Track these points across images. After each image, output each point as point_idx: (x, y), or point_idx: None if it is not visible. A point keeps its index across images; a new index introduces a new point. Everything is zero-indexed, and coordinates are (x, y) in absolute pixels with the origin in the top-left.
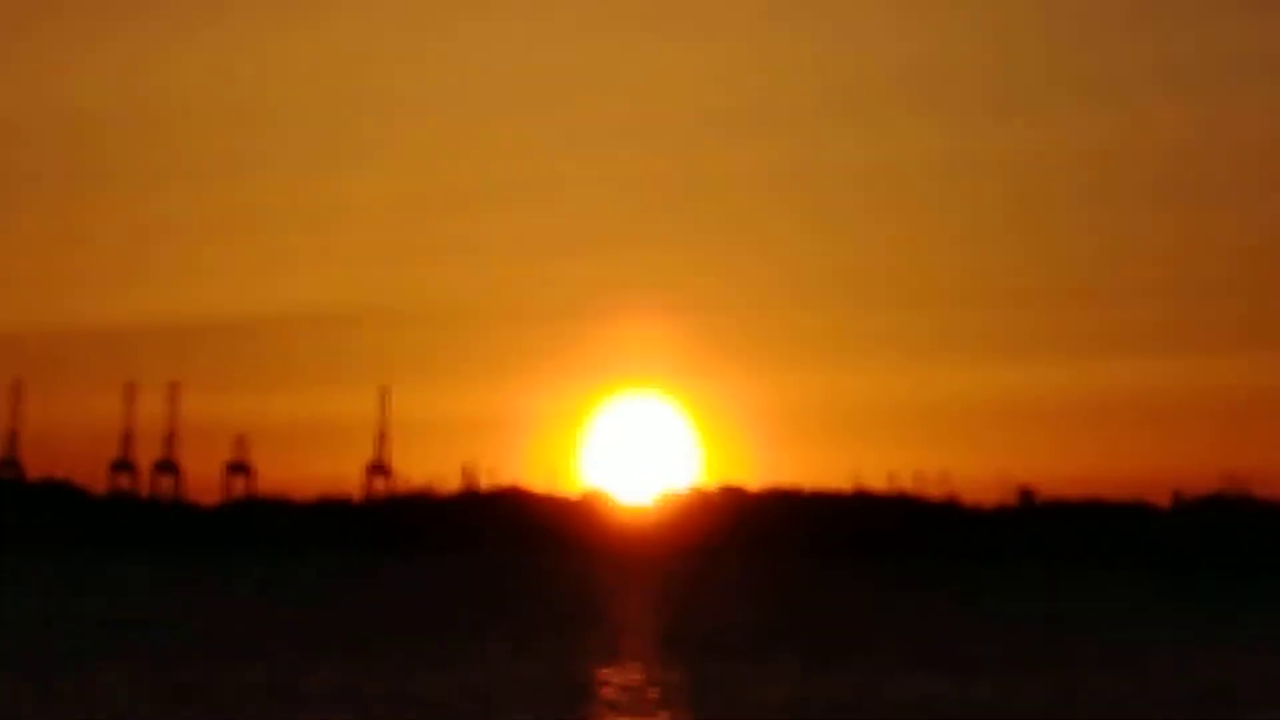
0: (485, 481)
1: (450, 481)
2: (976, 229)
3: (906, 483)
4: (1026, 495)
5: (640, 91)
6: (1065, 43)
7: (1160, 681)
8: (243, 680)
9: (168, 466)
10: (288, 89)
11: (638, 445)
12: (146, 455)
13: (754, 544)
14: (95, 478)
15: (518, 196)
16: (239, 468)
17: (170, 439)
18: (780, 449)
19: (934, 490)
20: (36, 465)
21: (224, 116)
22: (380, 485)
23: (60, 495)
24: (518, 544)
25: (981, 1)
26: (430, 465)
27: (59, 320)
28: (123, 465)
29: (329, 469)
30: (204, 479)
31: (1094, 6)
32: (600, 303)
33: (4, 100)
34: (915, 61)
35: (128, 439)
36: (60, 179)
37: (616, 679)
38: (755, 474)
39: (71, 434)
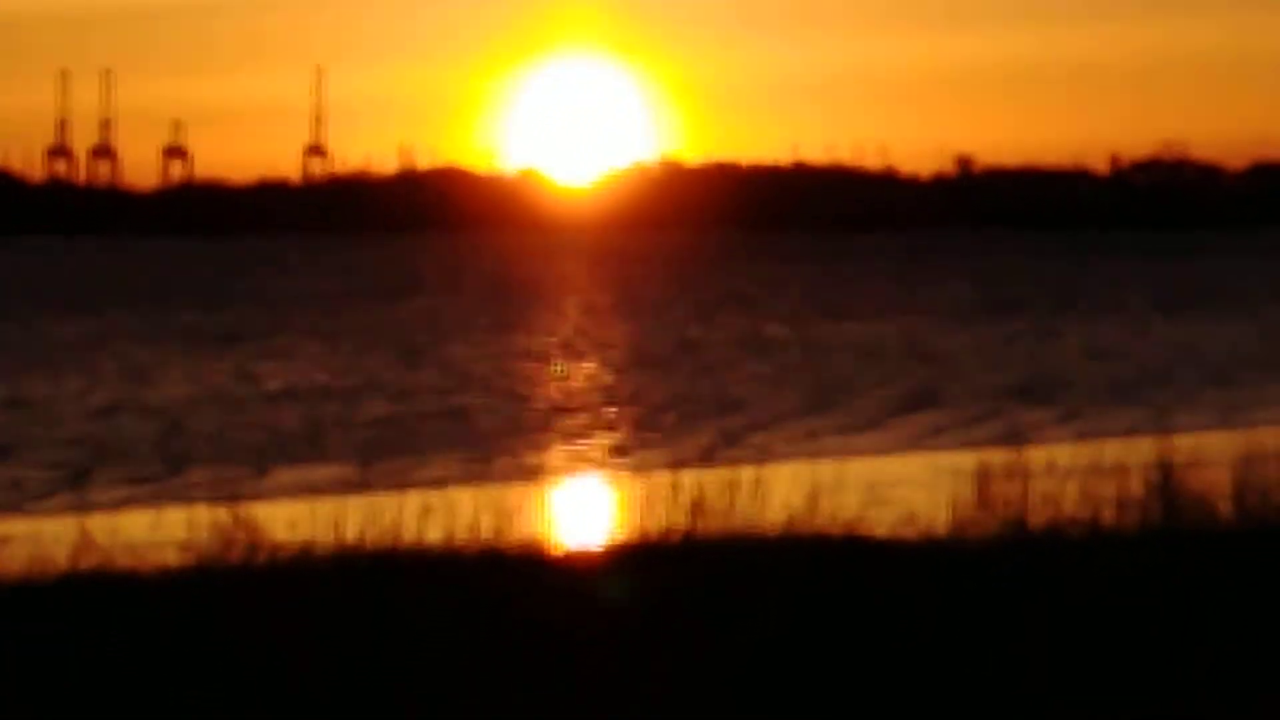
0: (423, 161)
1: (388, 162)
2: None
3: (844, 154)
4: (964, 164)
5: None
6: None
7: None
8: (192, 365)
9: (105, 152)
10: None
11: (577, 119)
12: (83, 142)
13: (693, 218)
14: (31, 165)
15: None
16: (176, 152)
17: (106, 125)
18: (718, 123)
19: (872, 161)
20: None
21: None
22: (318, 167)
23: None
24: (457, 223)
25: None
26: (368, 146)
27: None
28: (59, 152)
29: (266, 152)
30: (141, 164)
31: None
32: None
33: None
34: None
35: (63, 126)
36: None
37: (557, 339)
38: (693, 148)
39: (6, 122)
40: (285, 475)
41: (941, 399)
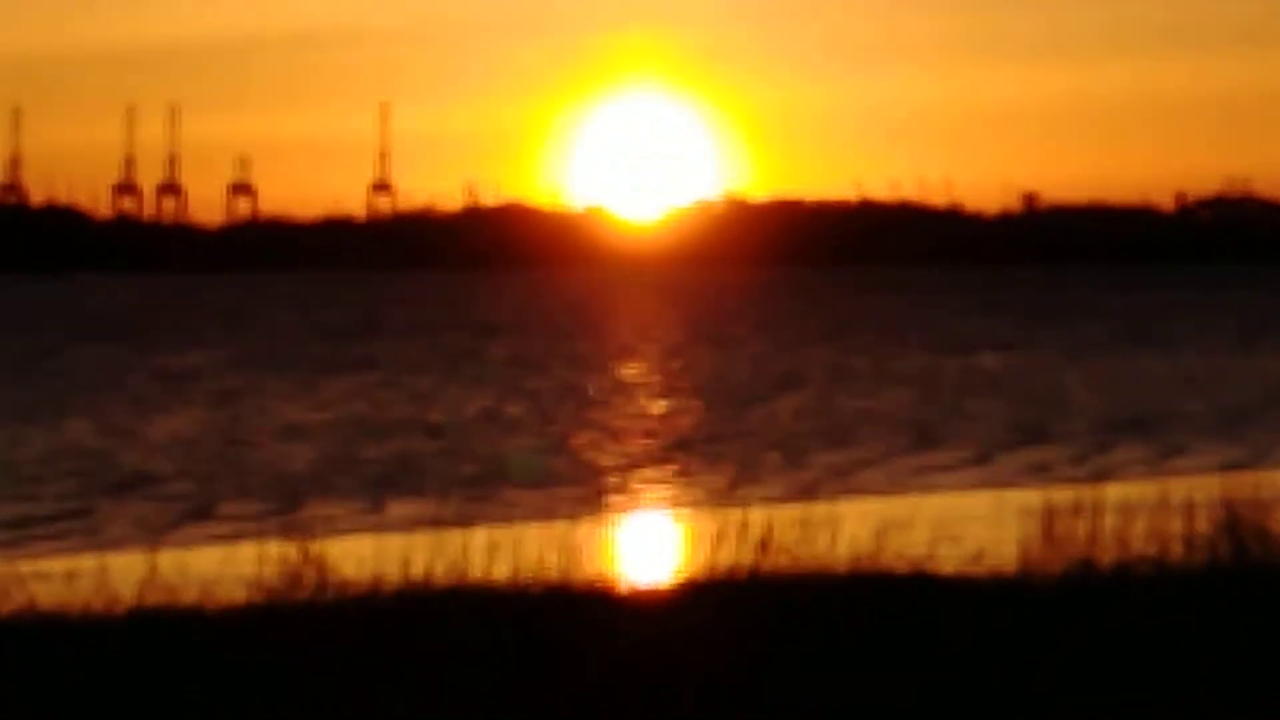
0: (488, 198)
1: (453, 199)
2: None
3: (910, 190)
4: (1030, 200)
5: None
6: None
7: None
8: (259, 396)
9: (171, 189)
10: None
11: (642, 156)
12: (149, 178)
13: (758, 255)
14: (98, 201)
15: None
16: (242, 188)
17: (172, 161)
18: (783, 159)
19: (937, 197)
20: (39, 190)
21: None
22: (383, 204)
23: (64, 220)
24: (522, 260)
25: None
26: (433, 182)
27: (58, 43)
28: (126, 188)
29: (332, 188)
30: (207, 201)
31: None
32: (600, 13)
33: None
34: None
35: (130, 162)
36: None
37: (629, 376)
38: (758, 185)
39: (73, 158)
40: (361, 509)
41: (1047, 434)
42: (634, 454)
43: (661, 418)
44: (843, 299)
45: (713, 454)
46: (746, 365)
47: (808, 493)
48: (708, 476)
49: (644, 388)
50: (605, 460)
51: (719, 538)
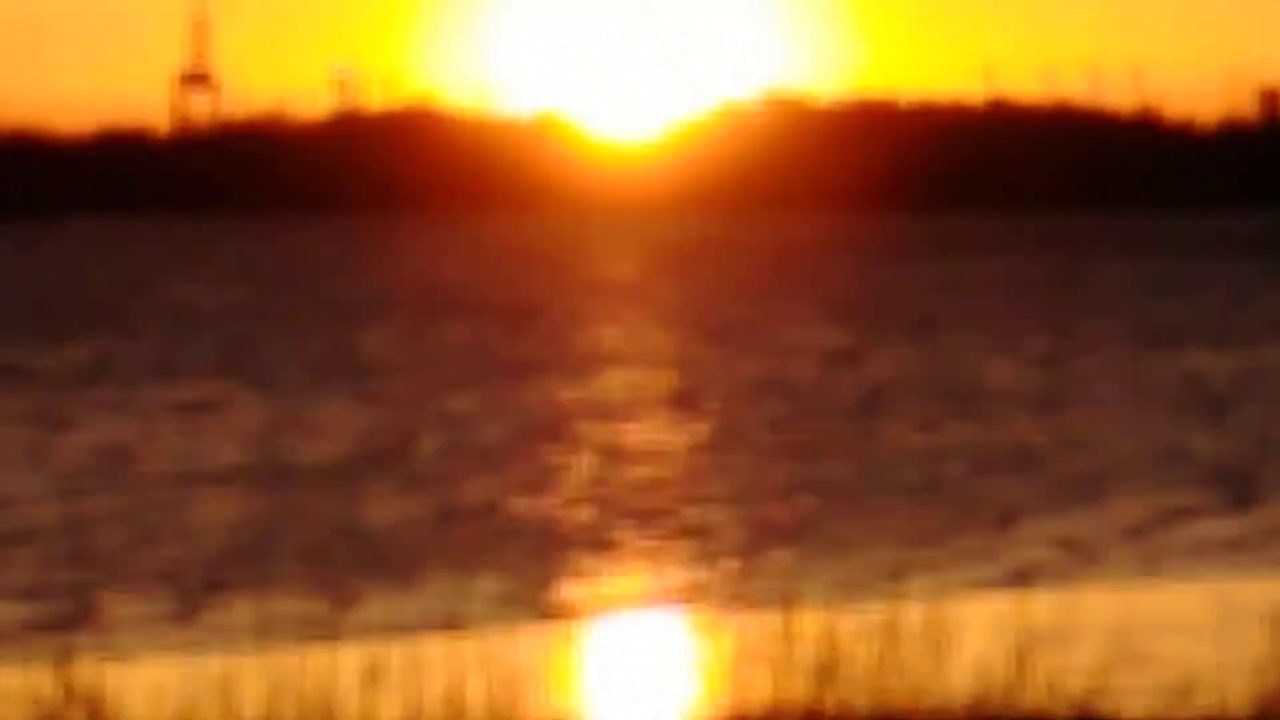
0: (372, 99)
1: (313, 100)
2: None
3: (1074, 86)
4: (1272, 101)
5: None
6: None
7: None
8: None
9: None
10: None
11: (627, 38)
12: None
13: (822, 190)
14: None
15: None
16: None
17: None
18: (863, 42)
19: (1122, 98)
20: None
21: None
22: (199, 106)
23: None
24: (430, 197)
25: None
26: (279, 74)
27: None
28: None
29: (120, 82)
30: None
31: None
32: None
33: None
34: None
35: None
36: None
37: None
38: (823, 78)
39: None
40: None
41: None
42: (649, 514)
43: (696, 459)
44: (971, 260)
45: (725, 526)
46: (849, 371)
47: (1018, 579)
48: (712, 562)
49: (671, 405)
50: (592, 528)
51: (752, 660)
